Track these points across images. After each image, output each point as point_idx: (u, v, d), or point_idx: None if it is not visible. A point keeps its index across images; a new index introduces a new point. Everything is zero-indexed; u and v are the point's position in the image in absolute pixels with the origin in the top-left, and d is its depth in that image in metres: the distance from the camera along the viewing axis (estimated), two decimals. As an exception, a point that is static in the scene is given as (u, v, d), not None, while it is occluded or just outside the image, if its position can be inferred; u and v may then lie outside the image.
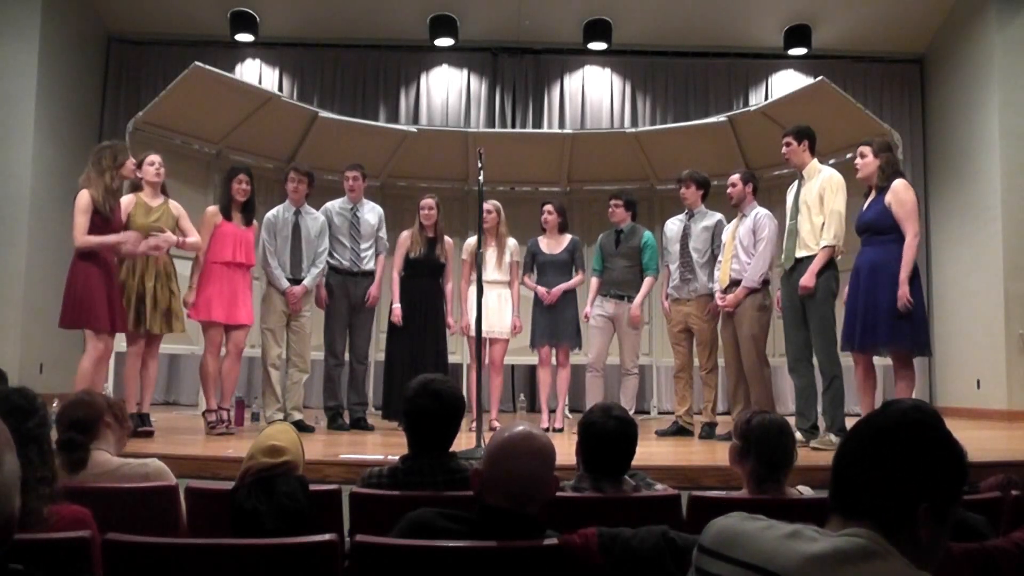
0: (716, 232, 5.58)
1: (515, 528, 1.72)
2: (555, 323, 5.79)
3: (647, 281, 5.77)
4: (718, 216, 5.66)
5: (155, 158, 4.95)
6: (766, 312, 5.20)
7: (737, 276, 5.23)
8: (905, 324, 4.32)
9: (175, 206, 5.02)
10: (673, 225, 5.80)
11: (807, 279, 4.72)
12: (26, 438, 1.81)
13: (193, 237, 4.98)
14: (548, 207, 5.95)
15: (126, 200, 4.79)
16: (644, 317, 6.00)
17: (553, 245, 5.90)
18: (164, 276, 4.88)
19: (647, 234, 5.85)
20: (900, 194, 4.40)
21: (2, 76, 7.15)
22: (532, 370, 8.48)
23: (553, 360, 5.93)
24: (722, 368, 5.77)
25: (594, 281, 5.88)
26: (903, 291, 4.28)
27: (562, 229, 5.94)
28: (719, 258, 5.47)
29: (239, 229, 5.23)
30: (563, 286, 5.79)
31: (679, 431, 5.55)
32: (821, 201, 4.76)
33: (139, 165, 4.86)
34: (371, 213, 5.90)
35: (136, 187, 4.90)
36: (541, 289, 5.80)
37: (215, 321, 5.09)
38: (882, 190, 4.46)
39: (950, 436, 1.19)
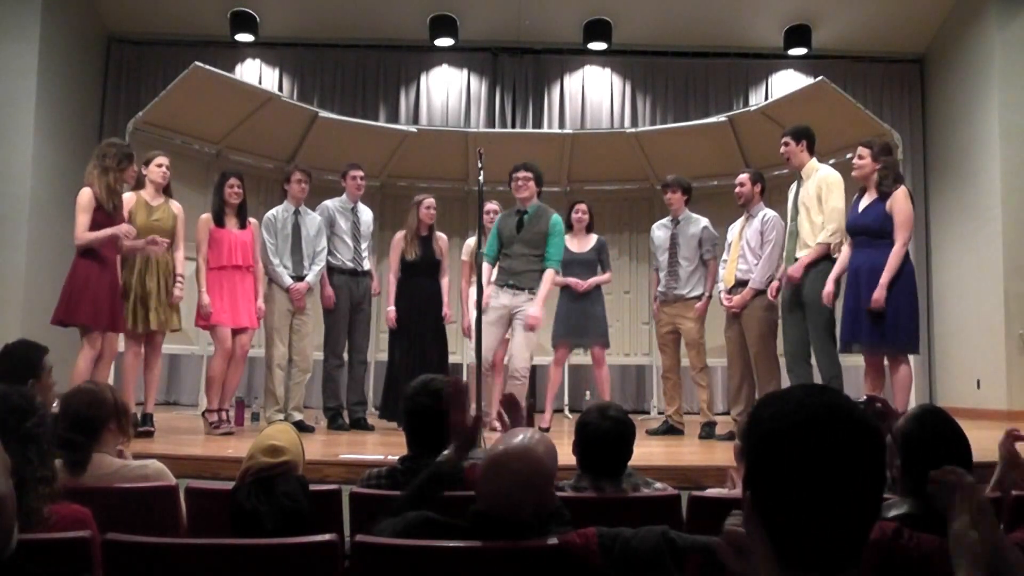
0: (704, 238, 5.60)
1: (508, 532, 1.72)
2: (584, 321, 5.78)
3: (548, 275, 5.13)
4: (704, 222, 5.67)
5: (163, 160, 4.99)
6: (774, 312, 5.21)
7: (743, 276, 5.25)
8: (892, 323, 4.34)
9: (176, 207, 5.06)
10: (660, 232, 5.78)
11: (795, 269, 4.77)
12: (25, 437, 1.81)
13: (180, 252, 5.02)
14: (582, 207, 5.99)
15: (127, 198, 4.80)
16: (543, 319, 5.25)
17: (580, 244, 5.93)
18: (166, 276, 4.91)
19: (555, 219, 5.20)
20: (900, 202, 4.43)
21: (2, 76, 7.15)
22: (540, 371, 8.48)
23: (588, 359, 5.93)
24: (722, 368, 5.77)
25: (486, 268, 4.99)
26: (880, 293, 4.32)
27: (588, 228, 6.00)
28: (724, 258, 5.49)
29: (234, 232, 5.23)
30: (593, 280, 5.81)
31: (669, 430, 5.57)
32: (819, 201, 4.77)
33: (146, 163, 4.91)
34: (366, 213, 5.95)
35: (139, 184, 4.92)
36: (572, 280, 5.72)
37: (224, 325, 5.12)
38: (883, 195, 4.47)
39: (862, 412, 1.03)
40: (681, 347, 5.69)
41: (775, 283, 5.13)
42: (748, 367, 5.24)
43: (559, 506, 1.93)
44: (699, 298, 5.55)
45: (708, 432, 5.41)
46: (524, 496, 1.74)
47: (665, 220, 5.82)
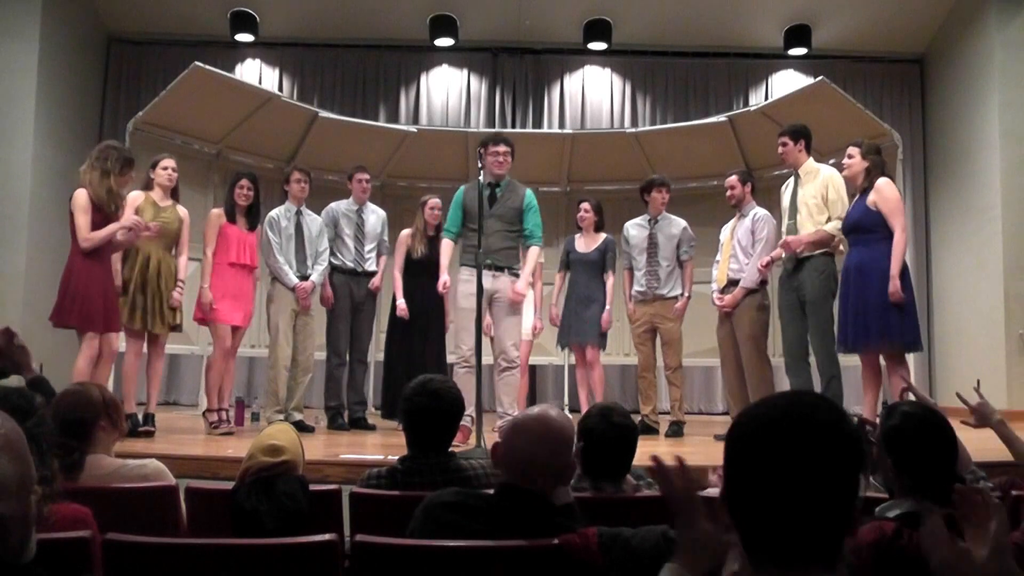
0: (683, 239, 5.62)
1: (529, 507, 1.77)
2: (578, 321, 5.78)
3: (532, 252, 4.95)
4: (683, 224, 5.67)
5: (170, 163, 5.00)
6: (765, 312, 5.21)
7: (735, 276, 5.24)
8: (894, 321, 4.33)
9: (183, 211, 5.07)
10: (636, 231, 5.75)
11: (795, 240, 4.75)
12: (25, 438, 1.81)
13: (183, 258, 5.03)
14: (584, 205, 5.93)
15: (135, 196, 4.83)
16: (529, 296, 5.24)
17: (586, 243, 5.90)
18: (168, 275, 4.90)
19: (529, 194, 4.96)
20: (883, 191, 4.41)
21: (2, 76, 7.15)
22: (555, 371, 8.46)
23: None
24: (711, 368, 5.77)
25: (447, 245, 4.96)
26: (894, 286, 4.27)
27: (598, 228, 5.91)
28: (717, 258, 5.48)
29: (242, 232, 5.29)
30: (607, 312, 5.71)
31: (645, 430, 5.51)
32: (825, 201, 4.76)
33: (153, 166, 4.94)
34: (374, 215, 5.95)
35: (147, 186, 4.95)
36: (604, 319, 5.68)
37: (224, 322, 5.13)
38: (865, 191, 4.48)
39: (836, 408, 1.03)
40: (656, 346, 5.70)
41: (767, 259, 5.05)
42: (742, 365, 5.24)
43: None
44: (677, 298, 5.58)
45: (675, 431, 5.45)
46: (538, 451, 1.81)
47: (640, 219, 5.79)
